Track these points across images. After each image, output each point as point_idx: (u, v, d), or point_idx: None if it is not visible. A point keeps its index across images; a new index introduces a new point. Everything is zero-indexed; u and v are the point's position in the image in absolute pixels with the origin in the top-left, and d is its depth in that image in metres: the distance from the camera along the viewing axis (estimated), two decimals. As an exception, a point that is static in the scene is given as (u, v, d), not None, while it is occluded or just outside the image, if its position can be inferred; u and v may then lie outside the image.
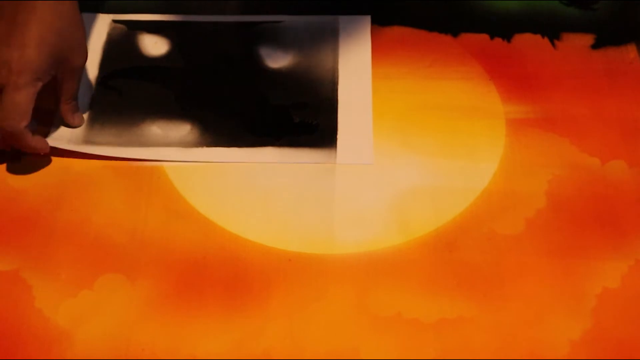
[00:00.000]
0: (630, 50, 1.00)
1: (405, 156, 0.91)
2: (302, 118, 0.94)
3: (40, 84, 0.84)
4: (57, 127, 0.93)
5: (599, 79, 0.98)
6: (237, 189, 0.88)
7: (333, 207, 0.87)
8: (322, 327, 0.78)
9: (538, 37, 1.03)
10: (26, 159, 0.91)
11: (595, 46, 1.01)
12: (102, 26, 1.04)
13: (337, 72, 0.98)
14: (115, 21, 1.04)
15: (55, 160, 0.91)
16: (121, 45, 1.02)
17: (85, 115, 0.94)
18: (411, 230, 0.84)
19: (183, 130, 0.93)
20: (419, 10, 1.06)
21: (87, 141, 0.92)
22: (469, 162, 0.90)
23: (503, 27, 1.04)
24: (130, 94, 0.98)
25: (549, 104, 0.95)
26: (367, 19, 1.04)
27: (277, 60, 1.00)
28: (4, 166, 0.90)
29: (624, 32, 1.02)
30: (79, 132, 0.93)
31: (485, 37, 1.03)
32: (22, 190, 0.89)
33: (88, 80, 0.98)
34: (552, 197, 0.87)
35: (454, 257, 0.82)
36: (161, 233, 0.85)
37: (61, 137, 0.92)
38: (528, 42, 1.02)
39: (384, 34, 1.04)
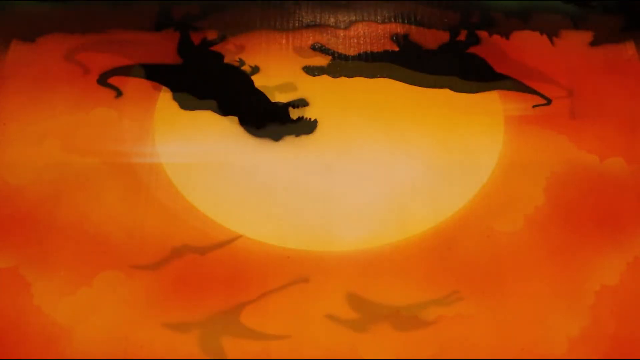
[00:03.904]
0: (628, 48, 1.00)
1: (404, 153, 0.90)
2: None
3: None
4: None
5: (597, 76, 0.97)
6: (236, 187, 0.88)
7: (331, 204, 0.86)
8: (320, 324, 0.78)
9: (537, 34, 1.02)
10: (24, 157, 0.90)
11: (594, 43, 1.01)
12: None
13: None
14: None
15: (54, 157, 0.90)
16: None
17: None
18: (409, 228, 0.84)
19: None
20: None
21: None
22: (467, 159, 0.89)
23: (502, 24, 1.03)
24: None
25: (547, 102, 0.95)
26: None
27: None
28: (2, 164, 0.90)
29: (623, 30, 1.02)
30: None
31: (483, 34, 1.02)
32: (21, 188, 0.88)
33: None
34: (550, 194, 0.86)
35: (452, 255, 0.82)
36: (160, 230, 0.84)
37: None
38: (527, 39, 1.02)
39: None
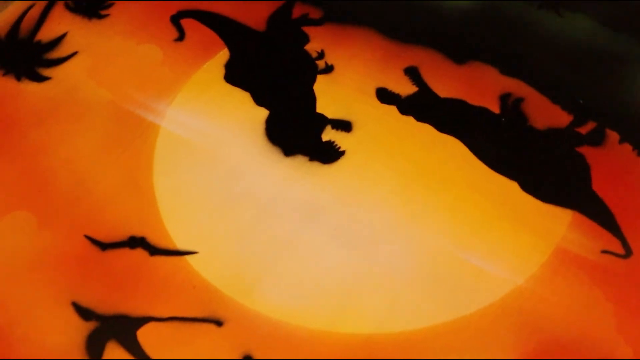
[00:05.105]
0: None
1: (415, 238, 0.74)
2: None
3: None
4: None
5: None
6: (206, 186, 0.77)
7: (294, 258, 0.73)
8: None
9: None
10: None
11: None
12: None
13: None
14: None
15: (69, 79, 0.84)
16: None
17: None
18: (352, 324, 0.69)
19: None
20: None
21: None
22: (479, 276, 0.72)
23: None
24: None
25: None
26: None
27: None
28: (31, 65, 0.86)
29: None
30: None
31: (614, 136, 0.81)
32: (25, 92, 0.83)
33: None
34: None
35: None
36: (107, 197, 0.76)
37: None
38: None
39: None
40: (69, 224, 0.73)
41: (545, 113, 0.82)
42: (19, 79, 0.84)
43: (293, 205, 0.75)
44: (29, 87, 0.83)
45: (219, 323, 0.68)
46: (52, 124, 0.80)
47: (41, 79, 0.84)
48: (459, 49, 0.86)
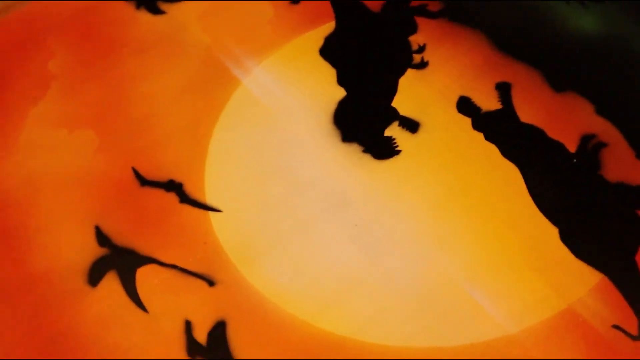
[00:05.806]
0: None
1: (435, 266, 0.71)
2: None
3: None
4: None
5: None
6: (256, 150, 0.78)
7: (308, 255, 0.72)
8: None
9: None
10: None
11: None
12: None
13: None
14: None
15: (180, 18, 0.87)
16: None
17: None
18: (331, 322, 0.68)
19: None
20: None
21: None
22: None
23: None
24: None
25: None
26: None
27: None
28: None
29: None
30: None
31: None
32: (136, 19, 0.87)
33: None
34: None
35: None
36: (165, 136, 0.78)
37: None
38: None
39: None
40: (123, 154, 0.77)
41: (623, 166, 0.75)
42: (138, 6, 0.88)
43: (325, 192, 0.74)
44: (143, 17, 0.87)
45: (211, 283, 0.70)
46: (149, 57, 0.84)
47: (157, 11, 0.87)
48: (562, 76, 0.81)
